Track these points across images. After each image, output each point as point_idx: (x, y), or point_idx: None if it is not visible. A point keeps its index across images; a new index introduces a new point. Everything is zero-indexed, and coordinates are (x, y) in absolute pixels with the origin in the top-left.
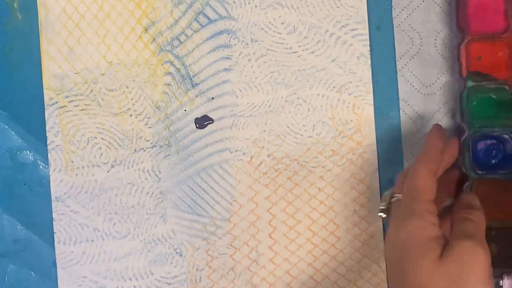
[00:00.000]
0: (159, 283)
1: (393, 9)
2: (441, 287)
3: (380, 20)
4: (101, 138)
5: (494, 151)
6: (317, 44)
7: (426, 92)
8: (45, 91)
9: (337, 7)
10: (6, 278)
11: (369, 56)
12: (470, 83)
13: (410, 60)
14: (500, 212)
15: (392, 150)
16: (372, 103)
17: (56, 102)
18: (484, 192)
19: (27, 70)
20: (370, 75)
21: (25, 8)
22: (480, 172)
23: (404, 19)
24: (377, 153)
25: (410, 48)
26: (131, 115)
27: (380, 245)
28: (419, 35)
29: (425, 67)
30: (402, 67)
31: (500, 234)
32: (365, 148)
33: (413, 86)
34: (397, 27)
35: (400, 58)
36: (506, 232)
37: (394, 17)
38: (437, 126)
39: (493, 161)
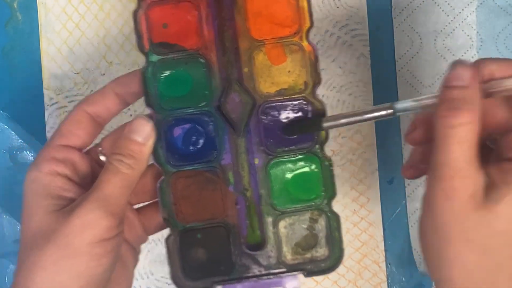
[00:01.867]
0: (159, 283)
1: (393, 9)
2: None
3: (380, 20)
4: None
5: (194, 137)
6: (317, 44)
7: (425, 92)
8: (45, 91)
9: (337, 7)
10: (6, 279)
11: (369, 57)
12: (154, 58)
13: (410, 60)
14: (205, 210)
15: (392, 150)
16: (372, 103)
17: (56, 102)
18: (183, 188)
19: (27, 70)
20: (370, 75)
21: (25, 8)
22: (177, 164)
23: (404, 20)
24: (377, 153)
25: (410, 48)
26: (131, 115)
27: (380, 245)
28: (419, 36)
29: (424, 67)
30: (402, 67)
31: (207, 236)
32: (365, 148)
33: (413, 86)
34: (397, 27)
35: (400, 58)
36: (212, 232)
37: (394, 18)
38: None
39: (192, 149)
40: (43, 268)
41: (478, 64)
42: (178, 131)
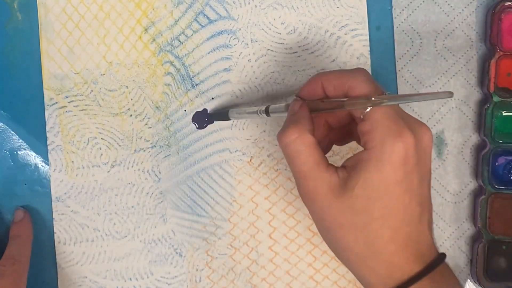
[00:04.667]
0: (159, 283)
1: (393, 9)
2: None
3: (380, 20)
4: (101, 139)
5: None
6: (317, 44)
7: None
8: (45, 92)
9: (337, 7)
10: None
11: (369, 57)
12: (496, 98)
13: (410, 60)
14: None
15: None
16: None
17: (56, 103)
18: (498, 207)
19: (27, 71)
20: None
21: (25, 8)
22: (497, 186)
23: (404, 20)
24: None
25: (410, 48)
26: (131, 115)
27: None
28: (419, 36)
29: (425, 67)
30: (402, 68)
31: (511, 249)
32: None
33: (413, 86)
34: (397, 27)
35: (400, 58)
36: None
37: (394, 17)
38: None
39: (511, 176)
40: None
41: (316, 77)
42: (502, 160)
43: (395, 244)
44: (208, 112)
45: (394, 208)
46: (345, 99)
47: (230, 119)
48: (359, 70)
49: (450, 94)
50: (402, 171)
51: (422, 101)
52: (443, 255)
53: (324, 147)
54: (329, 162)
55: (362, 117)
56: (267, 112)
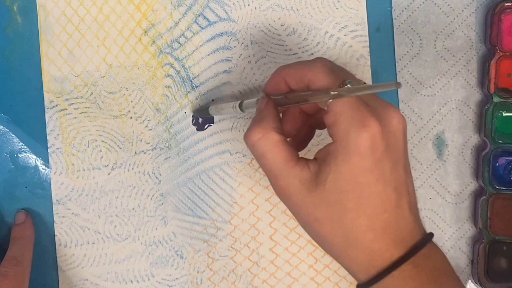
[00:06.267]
0: (160, 285)
1: (393, 10)
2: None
3: (380, 21)
4: (102, 141)
5: None
6: (316, 45)
7: (426, 93)
8: (45, 94)
9: (337, 8)
10: None
11: (369, 58)
12: (496, 99)
13: (410, 61)
14: None
15: None
16: None
17: (57, 105)
18: (499, 207)
19: (27, 73)
20: (370, 76)
21: (25, 11)
22: (498, 187)
23: (404, 20)
24: None
25: (410, 49)
26: (131, 118)
27: None
28: (419, 37)
29: (425, 68)
30: (402, 69)
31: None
32: None
33: (413, 87)
34: (397, 28)
35: (400, 59)
36: None
37: (394, 18)
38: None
39: (511, 177)
40: None
41: (277, 72)
42: (502, 161)
43: (373, 232)
44: (192, 111)
45: (368, 197)
46: (307, 92)
47: (211, 115)
48: (317, 61)
49: (398, 84)
50: (370, 159)
51: (379, 91)
52: (429, 236)
53: (305, 134)
54: (300, 156)
55: (326, 109)
56: (240, 107)
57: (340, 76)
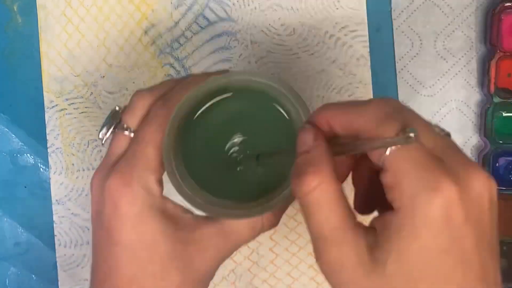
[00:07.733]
0: None
1: (392, 10)
2: None
3: (379, 21)
4: None
5: None
6: (317, 45)
7: (425, 93)
8: (45, 94)
9: (337, 8)
10: (7, 281)
11: (369, 58)
12: (496, 99)
13: (410, 61)
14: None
15: None
16: None
17: (56, 105)
18: (499, 207)
19: (27, 73)
20: (370, 76)
21: (25, 11)
22: (498, 187)
23: (404, 21)
24: None
25: (410, 49)
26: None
27: None
28: (419, 37)
29: (424, 68)
30: (402, 69)
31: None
32: None
33: (413, 87)
34: (396, 28)
35: (400, 59)
36: None
37: (394, 19)
38: None
39: (511, 176)
40: None
41: (319, 115)
42: (502, 161)
43: None
44: None
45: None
46: (359, 142)
47: None
48: (371, 104)
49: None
50: (445, 235)
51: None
52: None
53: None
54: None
55: (381, 165)
56: None
57: (400, 120)
